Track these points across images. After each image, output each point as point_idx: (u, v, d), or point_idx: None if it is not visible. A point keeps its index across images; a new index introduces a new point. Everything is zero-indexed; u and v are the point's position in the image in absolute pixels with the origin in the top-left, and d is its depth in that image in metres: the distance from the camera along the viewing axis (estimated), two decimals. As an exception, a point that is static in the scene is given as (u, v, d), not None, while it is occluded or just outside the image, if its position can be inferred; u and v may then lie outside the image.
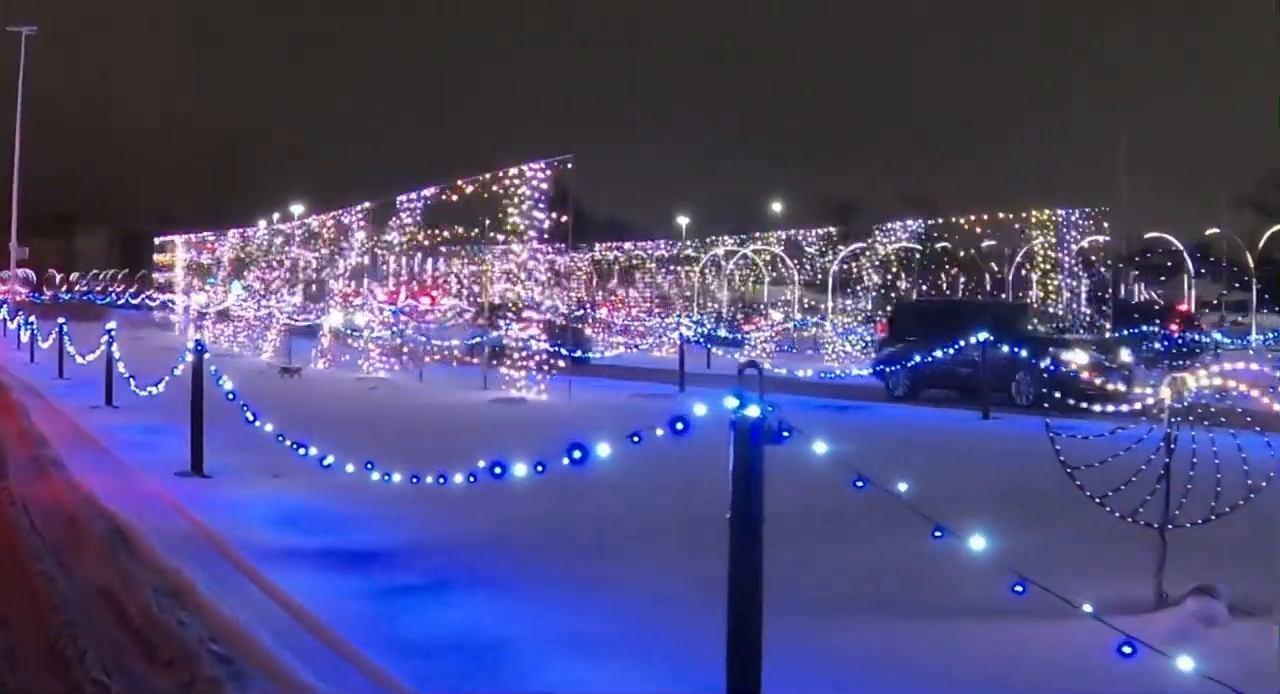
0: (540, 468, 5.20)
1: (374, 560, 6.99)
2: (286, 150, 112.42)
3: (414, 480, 6.54)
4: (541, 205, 19.65)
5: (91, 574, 6.74)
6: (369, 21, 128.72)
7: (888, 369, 20.27)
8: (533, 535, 7.63)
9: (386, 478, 6.84)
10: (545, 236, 19.76)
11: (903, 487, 4.48)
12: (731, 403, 4.41)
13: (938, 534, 4.22)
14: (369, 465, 7.02)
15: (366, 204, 25.87)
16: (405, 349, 24.62)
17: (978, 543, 4.24)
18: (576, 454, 4.90)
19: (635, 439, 4.83)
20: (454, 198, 21.06)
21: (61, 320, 22.87)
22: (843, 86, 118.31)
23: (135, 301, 58.87)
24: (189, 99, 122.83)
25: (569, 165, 19.40)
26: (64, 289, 68.77)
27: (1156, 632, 5.07)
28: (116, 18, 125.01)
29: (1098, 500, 6.43)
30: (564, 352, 20.56)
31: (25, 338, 28.48)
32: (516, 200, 20.07)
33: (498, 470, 5.35)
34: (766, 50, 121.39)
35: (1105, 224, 30.21)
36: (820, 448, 4.56)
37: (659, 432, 4.73)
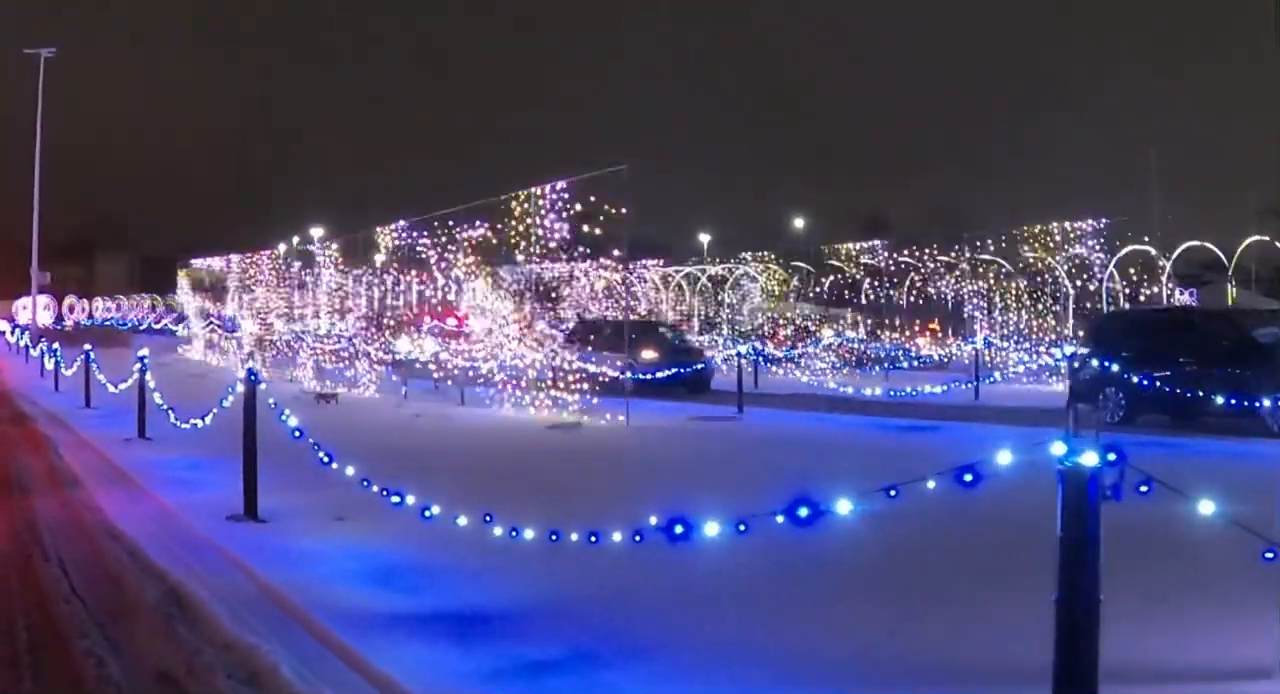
0: (743, 528, 3.98)
1: (493, 626, 5.72)
2: (311, 175, 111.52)
3: (553, 538, 5.28)
4: (592, 218, 18.58)
5: (148, 653, 5.53)
6: (397, 44, 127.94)
7: (1099, 391, 17.16)
8: (679, 589, 6.22)
9: (515, 534, 5.57)
10: (613, 252, 18.60)
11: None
12: (1059, 448, 3.20)
13: None
14: (488, 518, 5.77)
15: (402, 222, 24.77)
16: (439, 372, 23.39)
17: None
18: (803, 512, 3.68)
19: (892, 493, 3.61)
20: (514, 213, 19.93)
21: (88, 347, 21.87)
22: (864, 100, 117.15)
23: (158, 327, 57.95)
24: (210, 122, 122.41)
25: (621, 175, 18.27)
26: (85, 315, 67.90)
27: None
28: (136, 42, 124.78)
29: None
30: (683, 373, 19.05)
31: (49, 365, 27.49)
32: (565, 214, 19.01)
33: (679, 529, 4.11)
34: (788, 64, 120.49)
35: (1158, 233, 29.15)
36: (1207, 508, 3.34)
37: (930, 484, 3.51)
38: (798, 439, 15.16)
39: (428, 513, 6.35)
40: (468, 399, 21.18)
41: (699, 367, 24.50)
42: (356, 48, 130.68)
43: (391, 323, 25.62)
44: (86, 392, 20.48)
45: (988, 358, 27.51)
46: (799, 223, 70.81)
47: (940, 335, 34.44)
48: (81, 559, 7.53)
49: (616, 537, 4.84)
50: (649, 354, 24.03)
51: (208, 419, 12.58)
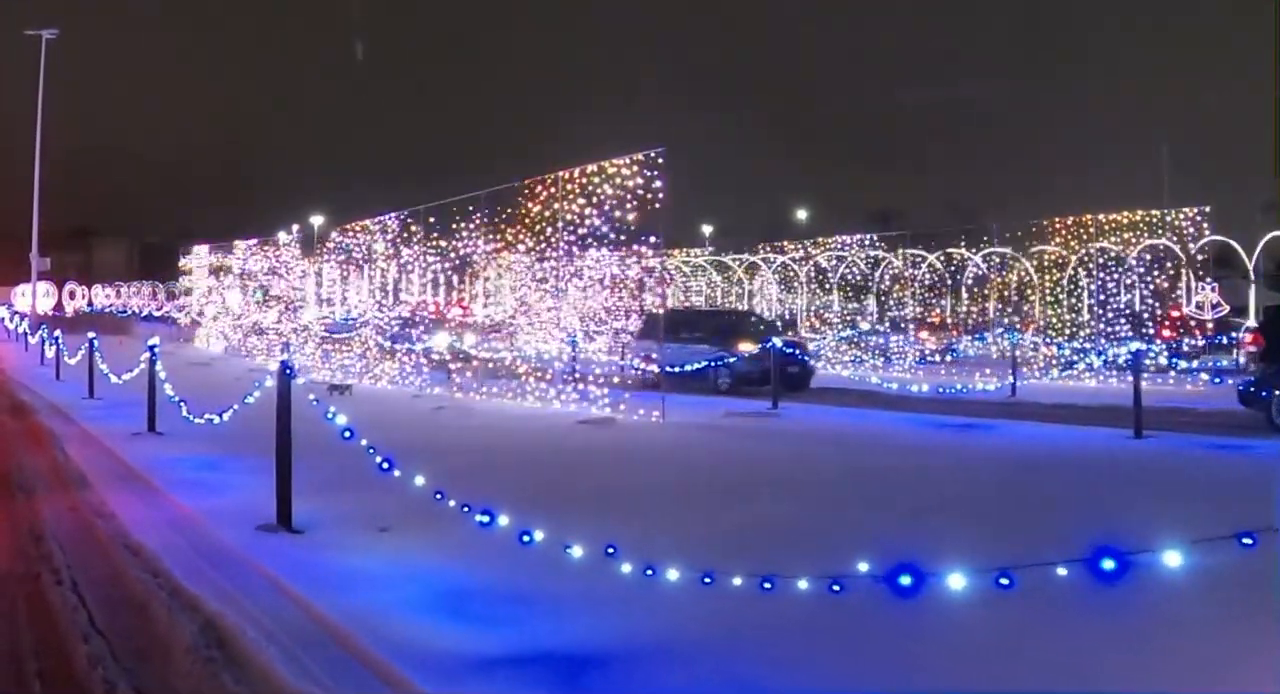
0: (1006, 582, 2.98)
1: (607, 673, 4.69)
2: (315, 161, 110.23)
3: (706, 581, 4.26)
4: (630, 204, 17.53)
5: (190, 711, 4.53)
6: (399, 32, 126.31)
7: (1272, 393, 15.09)
8: (820, 616, 4.88)
9: (651, 572, 4.54)
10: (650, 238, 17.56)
11: None
12: None
13: None
14: (611, 550, 4.75)
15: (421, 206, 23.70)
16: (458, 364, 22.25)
17: None
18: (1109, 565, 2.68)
19: (1247, 542, 2.62)
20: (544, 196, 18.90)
21: (92, 335, 20.87)
22: (871, 92, 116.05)
23: (159, 314, 56.86)
24: (211, 108, 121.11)
25: (659, 161, 17.22)
26: (85, 302, 66.69)
27: None
28: (135, 27, 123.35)
29: None
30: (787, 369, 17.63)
31: (49, 353, 26.50)
32: (598, 199, 17.97)
33: (905, 579, 3.11)
34: (797, 55, 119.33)
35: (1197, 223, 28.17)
36: None
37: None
38: (851, 438, 14.18)
39: (526, 538, 5.29)
40: (487, 391, 20.15)
41: (802, 360, 22.09)
42: (361, 32, 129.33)
43: (414, 315, 24.46)
44: (90, 381, 19.42)
45: (1022, 353, 26.50)
46: (801, 215, 69.76)
47: (943, 328, 33.38)
48: (99, 581, 6.50)
49: (804, 585, 3.82)
50: (747, 346, 21.85)
51: (226, 415, 11.52)
